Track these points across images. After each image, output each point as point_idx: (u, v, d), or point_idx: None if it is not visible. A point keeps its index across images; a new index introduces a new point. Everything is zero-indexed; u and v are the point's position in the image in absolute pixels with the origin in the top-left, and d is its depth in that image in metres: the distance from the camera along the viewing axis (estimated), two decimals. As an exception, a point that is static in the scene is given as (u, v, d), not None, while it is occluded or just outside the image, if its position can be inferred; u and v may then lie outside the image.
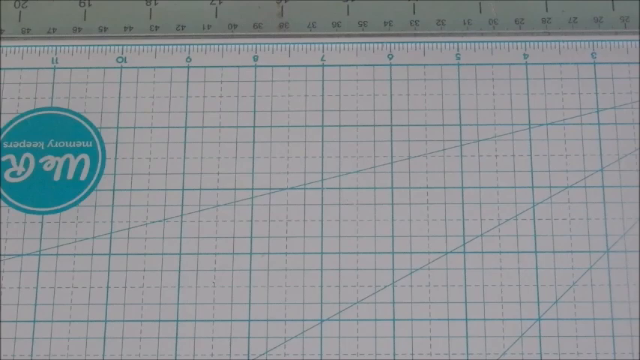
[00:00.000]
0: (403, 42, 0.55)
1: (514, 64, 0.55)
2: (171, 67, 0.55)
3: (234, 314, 0.51)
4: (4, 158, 0.54)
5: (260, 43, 0.56)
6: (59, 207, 0.53)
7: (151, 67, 0.55)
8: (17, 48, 0.56)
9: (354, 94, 0.55)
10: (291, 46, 0.56)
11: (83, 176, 0.53)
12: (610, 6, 0.56)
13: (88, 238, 0.52)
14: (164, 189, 0.53)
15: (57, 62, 0.55)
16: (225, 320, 0.51)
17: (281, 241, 0.52)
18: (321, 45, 0.56)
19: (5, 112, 0.55)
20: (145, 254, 0.52)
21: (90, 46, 0.56)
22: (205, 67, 0.55)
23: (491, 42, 0.55)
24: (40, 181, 0.53)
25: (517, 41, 0.55)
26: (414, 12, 0.56)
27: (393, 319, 0.51)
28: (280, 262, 0.52)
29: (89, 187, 0.53)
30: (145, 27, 0.56)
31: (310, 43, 0.56)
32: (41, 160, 0.54)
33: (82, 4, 0.57)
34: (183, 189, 0.53)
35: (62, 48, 0.56)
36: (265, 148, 0.54)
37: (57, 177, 0.53)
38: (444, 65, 0.55)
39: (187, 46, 0.55)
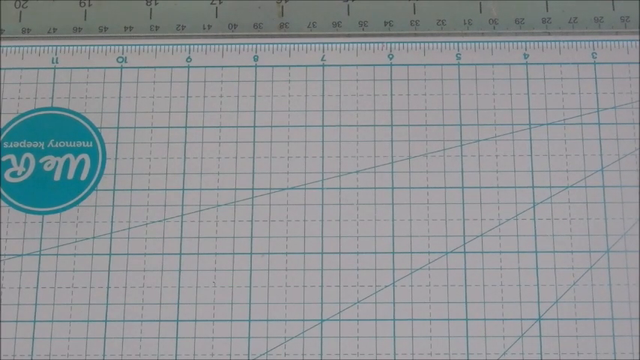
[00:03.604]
0: (403, 42, 0.55)
1: (514, 64, 0.55)
2: (172, 67, 0.55)
3: (234, 314, 0.51)
4: (4, 158, 0.54)
5: (260, 43, 0.56)
6: (59, 207, 0.53)
7: (151, 67, 0.55)
8: (17, 48, 0.56)
9: (355, 94, 0.55)
10: (292, 46, 0.56)
11: (83, 176, 0.53)
12: (610, 6, 0.56)
13: (88, 238, 0.52)
14: (164, 189, 0.53)
15: (57, 62, 0.55)
16: (225, 320, 0.51)
17: (281, 241, 0.52)
18: (321, 45, 0.56)
19: (5, 112, 0.55)
20: (145, 254, 0.52)
21: (90, 46, 0.56)
22: (205, 67, 0.55)
23: (492, 42, 0.55)
24: (40, 181, 0.53)
25: (517, 41, 0.55)
26: (415, 12, 0.56)
27: (394, 319, 0.51)
28: (280, 262, 0.52)
29: (89, 187, 0.53)
30: (145, 27, 0.56)
31: (310, 43, 0.56)
32: (41, 160, 0.54)
33: (82, 4, 0.57)
34: (183, 189, 0.53)
35: (62, 48, 0.56)
36: (265, 148, 0.54)
37: (57, 177, 0.53)
38: (445, 65, 0.55)
39: (187, 46, 0.55)
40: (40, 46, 0.56)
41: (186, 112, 0.54)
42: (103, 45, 0.56)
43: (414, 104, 0.54)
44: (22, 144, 0.54)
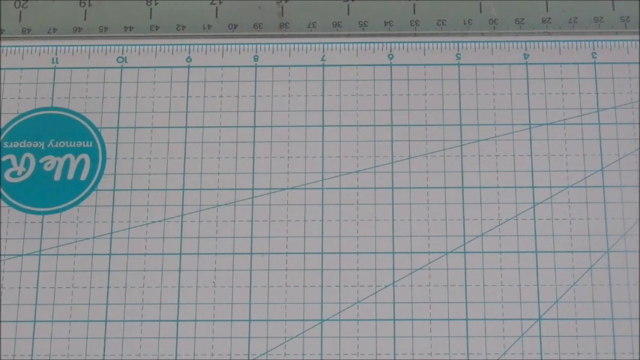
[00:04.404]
0: (403, 42, 0.55)
1: (514, 64, 0.55)
2: (172, 67, 0.55)
3: (234, 314, 0.51)
4: (4, 158, 0.54)
5: (260, 43, 0.56)
6: (59, 207, 0.53)
7: (152, 67, 0.55)
8: (17, 48, 0.56)
9: (355, 94, 0.55)
10: (292, 46, 0.56)
11: (83, 176, 0.53)
12: (610, 6, 0.56)
13: (88, 238, 0.52)
14: (164, 189, 0.53)
15: (57, 62, 0.55)
16: (225, 320, 0.51)
17: (281, 241, 0.52)
18: (321, 45, 0.56)
19: (5, 112, 0.55)
20: (145, 254, 0.52)
21: (90, 46, 0.56)
22: (206, 67, 0.55)
23: (492, 42, 0.55)
24: (40, 181, 0.53)
25: (517, 41, 0.55)
26: (414, 12, 0.56)
27: (394, 319, 0.51)
28: (280, 262, 0.52)
29: (89, 187, 0.53)
30: (145, 27, 0.56)
31: (310, 43, 0.56)
32: (41, 160, 0.54)
33: (82, 4, 0.57)
34: (183, 189, 0.53)
35: (62, 48, 0.56)
36: (265, 148, 0.54)
37: (57, 177, 0.53)
38: (445, 65, 0.55)
39: (187, 46, 0.55)
40: (40, 46, 0.56)
41: (186, 112, 0.54)
42: (103, 45, 0.56)
43: (414, 104, 0.54)
44: (22, 144, 0.54)
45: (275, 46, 0.55)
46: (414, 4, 0.56)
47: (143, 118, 0.54)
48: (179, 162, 0.54)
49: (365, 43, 0.55)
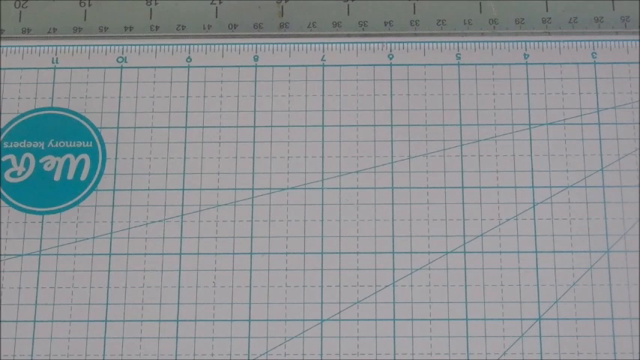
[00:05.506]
0: (403, 42, 0.55)
1: (514, 64, 0.55)
2: (172, 67, 0.55)
3: (234, 314, 0.51)
4: (4, 158, 0.54)
5: (260, 43, 0.56)
6: (59, 207, 0.53)
7: (151, 67, 0.55)
8: (17, 48, 0.56)
9: (355, 94, 0.55)
10: (292, 46, 0.56)
11: (83, 176, 0.53)
12: (610, 6, 0.56)
13: (88, 238, 0.52)
14: (164, 189, 0.53)
15: (57, 62, 0.55)
16: (225, 320, 0.51)
17: (281, 241, 0.52)
18: (321, 45, 0.56)
19: (5, 112, 0.55)
20: (145, 254, 0.52)
21: (90, 46, 0.56)
22: (206, 67, 0.55)
23: (492, 42, 0.55)
24: (40, 181, 0.53)
25: (517, 41, 0.55)
26: (415, 12, 0.56)
27: (394, 319, 0.51)
28: (280, 262, 0.52)
29: (89, 187, 0.53)
30: (145, 27, 0.56)
31: (310, 43, 0.56)
32: (41, 160, 0.54)
33: (82, 4, 0.57)
34: (183, 189, 0.53)
35: (62, 48, 0.56)
36: (265, 148, 0.54)
37: (57, 177, 0.53)
38: (445, 65, 0.55)
39: (187, 46, 0.55)
40: (40, 46, 0.56)
41: (186, 112, 0.54)
42: (103, 45, 0.56)
43: (414, 104, 0.54)
44: (22, 144, 0.54)
45: (275, 46, 0.56)
46: (414, 4, 0.56)
47: (143, 118, 0.54)
48: (179, 162, 0.54)
49: (365, 43, 0.55)
